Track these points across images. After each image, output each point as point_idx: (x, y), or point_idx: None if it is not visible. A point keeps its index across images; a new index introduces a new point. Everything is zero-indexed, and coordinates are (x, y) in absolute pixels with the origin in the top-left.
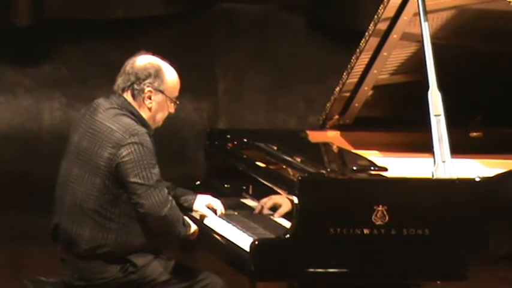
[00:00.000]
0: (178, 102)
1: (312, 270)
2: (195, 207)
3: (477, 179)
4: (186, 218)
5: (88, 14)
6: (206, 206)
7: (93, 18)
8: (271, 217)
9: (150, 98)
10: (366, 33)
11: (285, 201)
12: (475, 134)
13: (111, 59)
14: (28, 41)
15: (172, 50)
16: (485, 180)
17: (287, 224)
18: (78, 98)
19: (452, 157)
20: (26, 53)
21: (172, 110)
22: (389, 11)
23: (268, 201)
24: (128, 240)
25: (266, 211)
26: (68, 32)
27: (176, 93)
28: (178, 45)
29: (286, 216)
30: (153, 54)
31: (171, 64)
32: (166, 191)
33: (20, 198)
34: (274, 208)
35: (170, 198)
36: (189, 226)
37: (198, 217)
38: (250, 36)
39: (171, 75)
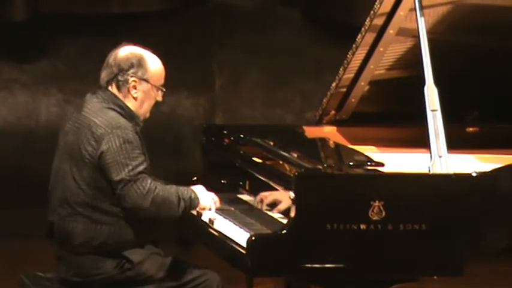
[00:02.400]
0: (164, 90)
1: (308, 265)
2: None
3: (474, 174)
4: (192, 191)
5: (84, 9)
6: None
7: (89, 13)
8: (269, 213)
9: (135, 88)
10: (362, 29)
11: (285, 197)
12: (471, 129)
13: (107, 54)
14: (24, 36)
15: (168, 45)
16: (482, 175)
17: (284, 219)
18: (75, 94)
19: (448, 152)
20: (22, 48)
21: (159, 98)
22: (385, 6)
23: (268, 196)
24: (121, 231)
25: (265, 207)
26: (64, 27)
27: (161, 81)
28: (175, 41)
29: (283, 212)
30: (135, 45)
31: (167, 58)
32: (148, 181)
33: (16, 194)
34: (274, 204)
35: (153, 187)
36: (196, 199)
37: (195, 213)
38: (246, 31)
39: (154, 63)
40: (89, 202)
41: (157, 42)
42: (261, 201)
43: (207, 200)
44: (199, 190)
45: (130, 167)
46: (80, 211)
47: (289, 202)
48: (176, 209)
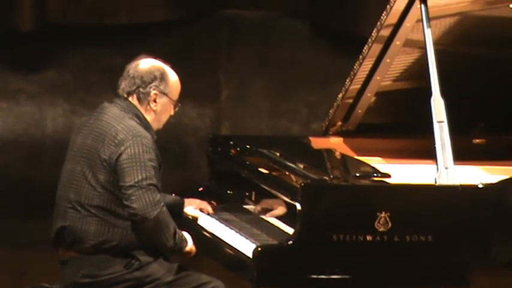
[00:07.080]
0: (180, 105)
1: (314, 276)
2: (185, 210)
3: (480, 186)
4: (185, 233)
5: (91, 19)
6: (195, 208)
7: (96, 23)
8: (265, 218)
9: (155, 101)
10: (369, 40)
11: (278, 203)
12: (478, 140)
13: (114, 65)
14: (31, 46)
15: (175, 56)
16: (488, 187)
17: (290, 230)
18: (81, 104)
19: (455, 164)
20: (29, 58)
21: (173, 112)
22: (392, 17)
23: (263, 202)
24: (134, 235)
25: (261, 212)
26: (71, 37)
27: (177, 96)
28: (182, 51)
29: (285, 220)
30: (155, 58)
31: (173, 68)
32: (158, 195)
33: (22, 204)
34: (268, 210)
35: (162, 204)
36: (186, 241)
37: (190, 218)
38: (253, 42)
39: (174, 78)
40: (103, 205)
41: (164, 52)
42: (259, 209)
43: (192, 246)
44: (188, 235)
45: (144, 175)
46: (94, 213)
47: (284, 208)
48: (170, 238)
